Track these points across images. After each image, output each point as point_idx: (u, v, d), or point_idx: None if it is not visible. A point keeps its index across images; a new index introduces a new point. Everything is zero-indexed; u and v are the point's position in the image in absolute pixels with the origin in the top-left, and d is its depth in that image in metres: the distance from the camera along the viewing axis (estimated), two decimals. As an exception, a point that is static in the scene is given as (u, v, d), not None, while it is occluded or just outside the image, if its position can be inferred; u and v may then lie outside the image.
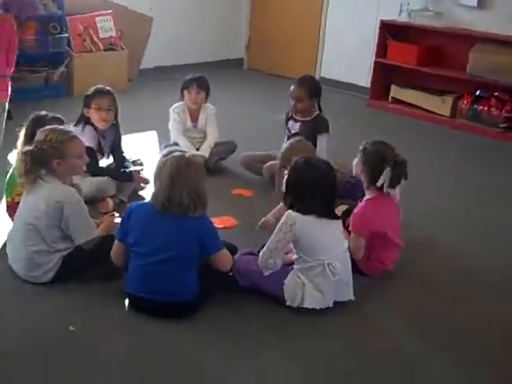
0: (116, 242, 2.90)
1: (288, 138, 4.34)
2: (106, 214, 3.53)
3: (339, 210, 3.41)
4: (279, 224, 2.86)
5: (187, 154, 2.85)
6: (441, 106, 6.39)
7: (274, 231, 2.87)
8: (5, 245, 3.17)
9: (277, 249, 2.85)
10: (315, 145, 4.21)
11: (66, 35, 6.13)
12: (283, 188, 2.97)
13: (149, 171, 3.93)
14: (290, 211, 2.85)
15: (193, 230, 2.76)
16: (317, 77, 7.53)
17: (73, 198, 2.95)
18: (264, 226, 3.40)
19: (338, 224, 2.94)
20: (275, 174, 4.16)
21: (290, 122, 4.38)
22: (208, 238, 2.81)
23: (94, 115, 3.89)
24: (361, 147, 3.28)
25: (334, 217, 2.92)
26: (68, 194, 2.95)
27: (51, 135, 2.93)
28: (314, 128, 4.25)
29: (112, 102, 3.92)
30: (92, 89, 3.97)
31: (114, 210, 3.63)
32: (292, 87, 4.27)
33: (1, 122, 4.23)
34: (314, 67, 7.58)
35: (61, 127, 3.04)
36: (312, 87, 4.27)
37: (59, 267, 2.96)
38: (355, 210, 3.24)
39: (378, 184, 3.15)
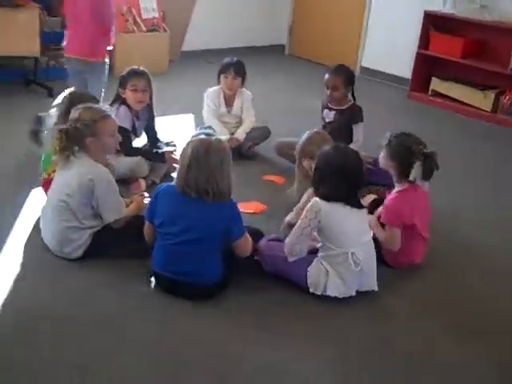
0: (146, 222, 2.95)
1: (323, 127, 4.35)
2: (137, 194, 3.58)
3: (366, 199, 3.41)
4: (305, 210, 2.87)
5: (213, 138, 2.84)
6: (482, 100, 6.28)
7: (301, 217, 2.88)
8: (39, 220, 3.25)
9: (302, 235, 2.86)
10: (350, 134, 4.21)
11: (110, 14, 6.17)
12: (311, 173, 2.97)
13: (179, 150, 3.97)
14: (316, 198, 2.86)
15: (217, 214, 2.77)
16: (358, 66, 7.50)
17: (104, 177, 3.00)
18: (286, 227, 3.36)
19: (363, 213, 2.94)
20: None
21: (325, 111, 4.38)
22: (232, 224, 2.82)
23: (129, 96, 3.93)
24: (385, 141, 3.26)
25: (360, 206, 2.91)
26: (100, 172, 3.01)
27: (85, 113, 2.98)
28: (349, 117, 4.25)
29: (147, 83, 3.95)
30: (127, 69, 4.00)
31: (145, 191, 3.68)
32: (326, 76, 4.25)
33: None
34: (355, 56, 7.52)
35: (95, 105, 3.10)
36: (347, 76, 4.26)
37: (89, 244, 3.03)
38: (386, 202, 3.23)
39: (411, 178, 3.13)
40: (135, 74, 3.95)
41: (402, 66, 6.99)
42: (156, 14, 6.52)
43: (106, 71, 4.52)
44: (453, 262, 3.46)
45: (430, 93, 6.66)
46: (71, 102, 3.33)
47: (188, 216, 2.77)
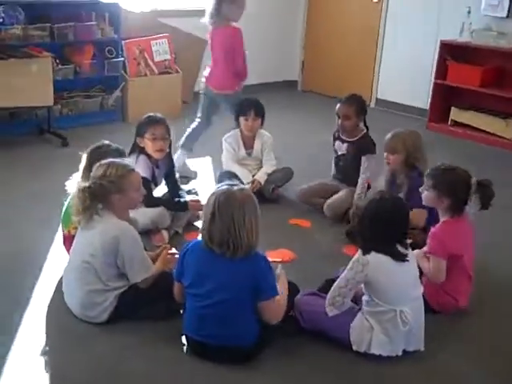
0: (175, 282, 2.79)
1: (336, 160, 4.30)
2: (160, 246, 3.43)
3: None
4: (351, 261, 2.71)
5: (235, 187, 2.62)
6: (504, 129, 6.13)
7: (346, 268, 2.72)
8: (61, 280, 3.11)
9: (346, 287, 2.70)
10: (356, 165, 4.14)
11: (122, 59, 6.11)
12: (356, 224, 2.83)
13: (204, 201, 3.83)
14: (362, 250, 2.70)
15: (246, 271, 2.58)
16: (373, 98, 7.40)
17: (129, 235, 2.86)
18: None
19: (413, 265, 2.76)
20: (338, 213, 4.11)
21: (337, 143, 4.29)
22: (261, 280, 2.61)
23: (148, 145, 3.79)
24: (428, 178, 3.12)
25: (407, 259, 2.73)
26: (124, 229, 2.86)
27: (110, 170, 2.85)
28: (361, 148, 4.15)
29: (167, 130, 3.81)
30: (144, 117, 3.86)
31: (168, 242, 3.55)
32: (338, 105, 4.18)
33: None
34: (370, 88, 7.41)
35: (117, 160, 2.95)
36: (359, 104, 4.19)
37: (114, 306, 2.86)
38: (433, 231, 3.07)
39: (471, 212, 3.02)
40: (153, 121, 3.81)
41: (419, 96, 6.87)
42: (168, 56, 6.44)
43: (238, 99, 4.61)
44: (501, 305, 3.28)
45: (449, 123, 6.52)
46: (95, 154, 3.20)
47: (215, 275, 2.60)
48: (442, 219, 3.12)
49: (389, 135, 3.80)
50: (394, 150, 3.74)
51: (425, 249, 3.10)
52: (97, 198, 2.83)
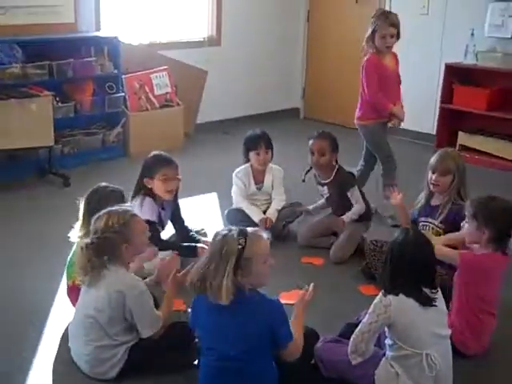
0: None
1: (326, 201, 4.27)
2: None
3: None
4: (373, 305, 2.56)
5: (233, 231, 2.44)
6: (513, 152, 6.02)
7: (368, 311, 2.57)
8: (67, 333, 2.95)
9: (370, 332, 2.54)
10: (346, 202, 4.06)
11: (122, 94, 6.01)
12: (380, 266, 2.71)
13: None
14: (384, 292, 2.56)
15: (259, 321, 2.43)
16: (378, 124, 7.28)
17: (135, 289, 2.71)
18: None
19: (440, 307, 2.60)
20: (345, 256, 4.00)
21: (319, 187, 4.24)
22: (279, 327, 2.47)
23: (158, 186, 3.64)
24: (470, 211, 2.98)
25: (433, 303, 2.57)
26: (130, 283, 2.72)
27: (111, 220, 2.69)
28: (341, 185, 4.08)
29: (177, 170, 3.70)
30: (151, 157, 3.72)
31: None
32: (311, 141, 4.11)
33: None
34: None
35: (116, 208, 2.79)
36: (333, 140, 4.12)
37: (125, 361, 2.71)
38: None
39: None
40: (165, 162, 3.67)
41: (425, 121, 6.76)
42: (169, 89, 6.35)
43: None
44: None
45: (457, 148, 6.39)
46: (94, 201, 3.07)
47: (224, 326, 2.44)
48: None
49: (436, 155, 3.59)
50: (446, 170, 3.50)
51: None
52: (103, 252, 2.69)
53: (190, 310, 2.64)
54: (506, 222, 2.90)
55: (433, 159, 3.59)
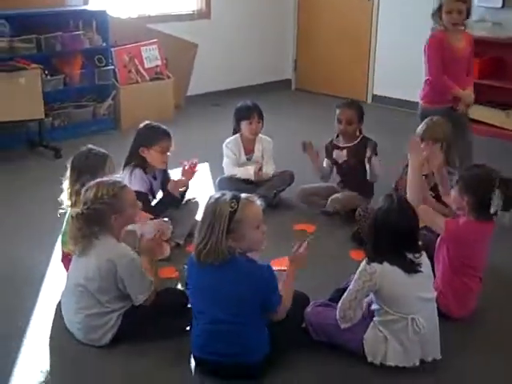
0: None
1: (338, 169, 4.23)
2: (162, 260, 3.32)
3: None
4: (358, 272, 2.60)
5: (225, 196, 2.49)
6: (504, 120, 6.02)
7: (353, 279, 2.61)
8: (60, 303, 2.98)
9: (356, 299, 2.59)
10: (363, 170, 4.03)
11: (112, 67, 5.99)
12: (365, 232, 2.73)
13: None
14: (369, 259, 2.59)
15: (249, 284, 2.48)
16: (369, 94, 7.30)
17: (125, 257, 2.73)
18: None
19: (426, 270, 2.63)
20: (344, 208, 4.03)
21: (335, 152, 4.21)
22: (270, 293, 2.53)
23: (154, 157, 3.69)
24: (455, 178, 3.01)
25: (417, 270, 2.60)
26: (120, 253, 2.74)
27: (101, 191, 2.70)
28: (362, 151, 4.04)
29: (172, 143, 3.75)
30: (151, 129, 3.74)
31: (170, 256, 3.45)
32: (339, 110, 4.11)
33: None
34: (366, 84, 7.31)
35: (106, 179, 2.81)
36: (361, 110, 4.16)
37: (118, 327, 2.74)
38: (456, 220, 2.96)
39: (492, 211, 2.82)
40: (165, 134, 3.72)
41: (416, 90, 6.72)
42: (159, 62, 6.32)
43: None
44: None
45: (449, 117, 6.41)
46: (79, 160, 3.12)
47: (215, 289, 2.49)
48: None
49: (423, 125, 3.59)
50: (435, 138, 3.51)
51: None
52: (93, 222, 2.70)
53: (185, 266, 2.68)
54: (485, 190, 2.83)
55: (420, 128, 3.60)
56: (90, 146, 3.23)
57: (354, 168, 4.13)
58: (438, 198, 3.38)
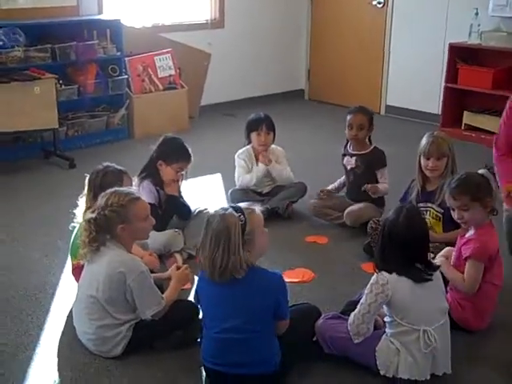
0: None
1: (347, 176, 4.22)
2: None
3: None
4: (369, 284, 2.57)
5: (228, 210, 2.47)
6: (519, 131, 5.99)
7: (365, 292, 2.59)
8: (71, 312, 2.98)
9: (369, 312, 2.56)
10: (373, 179, 4.05)
11: (126, 77, 6.01)
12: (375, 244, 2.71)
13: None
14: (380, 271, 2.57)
15: (263, 290, 2.48)
16: (383, 105, 7.27)
17: (136, 270, 2.71)
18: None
19: (437, 282, 2.62)
20: (361, 220, 4.00)
21: (346, 158, 4.20)
22: (283, 300, 2.52)
23: (170, 174, 3.69)
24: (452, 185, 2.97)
25: (428, 279, 2.58)
26: (131, 264, 2.73)
27: (112, 199, 2.71)
28: (372, 162, 4.07)
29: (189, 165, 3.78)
30: (176, 146, 3.73)
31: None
32: (350, 116, 4.10)
33: None
34: (379, 95, 7.28)
35: (121, 189, 2.82)
36: (371, 115, 4.16)
37: (129, 339, 2.74)
38: (473, 236, 2.91)
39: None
40: (187, 156, 3.72)
41: (430, 101, 6.74)
42: (172, 72, 6.34)
43: None
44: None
45: (463, 127, 6.38)
46: (97, 177, 3.11)
47: (227, 297, 2.48)
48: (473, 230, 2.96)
49: (428, 139, 3.52)
50: (442, 154, 3.48)
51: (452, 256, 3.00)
52: (101, 228, 2.71)
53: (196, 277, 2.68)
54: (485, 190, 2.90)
55: (424, 144, 3.53)
56: (107, 163, 3.23)
57: (359, 177, 4.12)
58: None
